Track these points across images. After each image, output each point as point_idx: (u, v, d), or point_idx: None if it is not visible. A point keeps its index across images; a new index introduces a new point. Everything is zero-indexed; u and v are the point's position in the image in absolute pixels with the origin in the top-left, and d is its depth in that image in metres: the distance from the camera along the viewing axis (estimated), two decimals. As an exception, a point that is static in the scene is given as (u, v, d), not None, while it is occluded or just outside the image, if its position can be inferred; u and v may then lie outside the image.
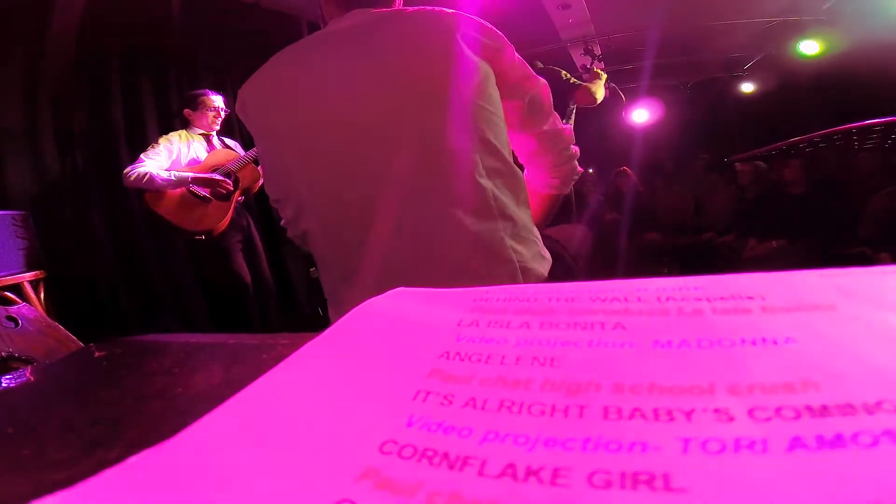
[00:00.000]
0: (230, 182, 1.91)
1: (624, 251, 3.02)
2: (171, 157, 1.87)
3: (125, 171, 1.78)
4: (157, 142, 1.88)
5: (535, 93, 0.69)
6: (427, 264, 0.60)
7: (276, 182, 0.69)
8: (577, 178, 0.79)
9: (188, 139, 1.93)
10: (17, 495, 0.13)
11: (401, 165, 0.58)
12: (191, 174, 1.85)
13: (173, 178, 1.81)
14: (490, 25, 0.63)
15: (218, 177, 1.89)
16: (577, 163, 0.77)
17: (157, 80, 2.37)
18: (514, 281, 0.60)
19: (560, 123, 0.74)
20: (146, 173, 1.78)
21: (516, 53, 0.65)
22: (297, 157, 0.63)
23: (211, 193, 1.88)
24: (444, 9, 0.61)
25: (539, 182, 0.78)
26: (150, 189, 1.80)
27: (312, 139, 0.62)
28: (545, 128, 0.71)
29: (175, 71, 2.42)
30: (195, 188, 1.86)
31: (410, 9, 0.63)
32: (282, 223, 0.73)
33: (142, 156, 1.82)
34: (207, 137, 1.98)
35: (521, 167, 0.73)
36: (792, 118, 3.38)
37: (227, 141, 2.06)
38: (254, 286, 2.00)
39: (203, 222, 1.88)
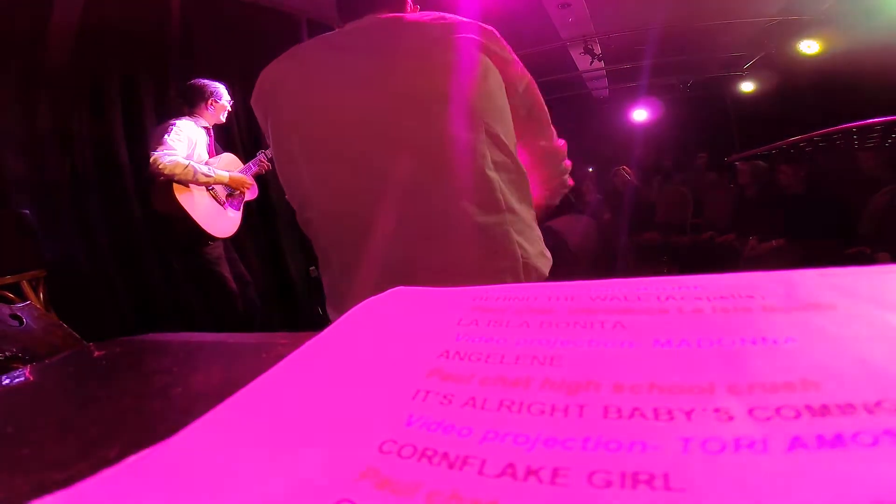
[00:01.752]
0: (249, 187, 1.87)
1: (623, 250, 3.02)
2: (189, 148, 1.69)
3: (155, 157, 1.58)
4: (175, 125, 1.69)
5: (535, 103, 0.69)
6: (430, 256, 0.60)
7: (282, 170, 0.70)
8: (565, 191, 0.80)
9: (195, 131, 1.79)
10: (17, 495, 0.13)
11: (405, 158, 0.59)
12: (227, 174, 1.74)
13: (213, 175, 1.68)
14: (495, 32, 0.64)
15: (249, 180, 1.80)
16: (567, 176, 0.78)
17: (156, 79, 2.36)
18: (515, 276, 0.61)
19: (556, 140, 0.74)
20: (188, 164, 1.61)
21: (520, 63, 0.66)
22: (303, 148, 0.64)
23: (229, 199, 1.80)
24: (454, 16, 0.64)
25: None
26: (182, 181, 1.64)
27: (318, 132, 0.63)
28: (542, 143, 0.72)
29: (175, 70, 2.42)
30: (221, 191, 1.76)
31: (420, 14, 0.66)
32: (297, 217, 0.73)
33: (166, 138, 1.62)
34: (207, 131, 1.86)
35: None
36: (792, 118, 3.38)
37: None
38: (238, 290, 1.92)
39: (218, 228, 1.77)
